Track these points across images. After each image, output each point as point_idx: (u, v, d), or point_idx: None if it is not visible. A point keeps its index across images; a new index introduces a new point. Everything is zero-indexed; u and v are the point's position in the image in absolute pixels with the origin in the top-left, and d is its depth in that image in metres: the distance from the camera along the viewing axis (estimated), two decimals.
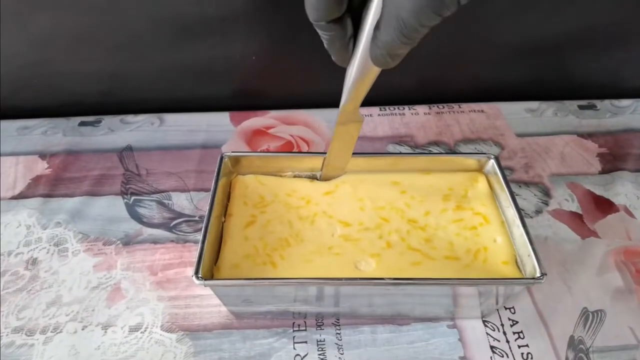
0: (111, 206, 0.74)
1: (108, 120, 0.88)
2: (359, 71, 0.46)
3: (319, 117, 0.88)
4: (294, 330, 0.60)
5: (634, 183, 0.76)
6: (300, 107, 0.90)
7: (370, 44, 0.42)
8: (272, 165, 0.64)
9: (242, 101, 0.91)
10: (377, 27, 0.41)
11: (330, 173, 0.63)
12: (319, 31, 0.43)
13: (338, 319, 0.60)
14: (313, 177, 0.64)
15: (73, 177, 0.78)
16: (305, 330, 0.60)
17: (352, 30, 0.43)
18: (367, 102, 0.91)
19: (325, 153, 0.60)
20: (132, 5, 0.76)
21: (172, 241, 0.69)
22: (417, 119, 0.88)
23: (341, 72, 0.92)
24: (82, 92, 0.89)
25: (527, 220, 0.56)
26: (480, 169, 0.64)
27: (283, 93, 0.92)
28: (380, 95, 0.92)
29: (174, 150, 0.82)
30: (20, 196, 0.75)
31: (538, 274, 0.50)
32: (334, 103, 0.90)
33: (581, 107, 0.91)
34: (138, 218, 0.72)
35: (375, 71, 0.46)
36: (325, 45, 0.45)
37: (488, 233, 0.57)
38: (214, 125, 0.87)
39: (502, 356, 0.57)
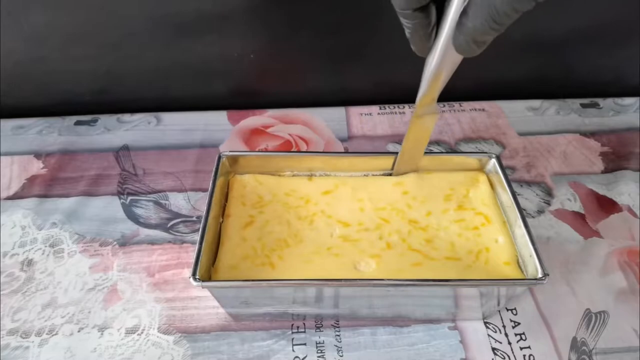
0: (107, 206, 0.73)
1: (104, 120, 0.88)
2: (440, 60, 0.46)
3: (317, 116, 0.88)
4: (292, 332, 0.59)
5: (637, 182, 0.76)
6: (298, 106, 0.90)
7: (455, 32, 0.42)
8: (271, 164, 0.64)
9: (240, 100, 0.91)
10: (463, 13, 0.41)
11: (403, 168, 0.63)
12: (402, 20, 0.44)
13: (337, 321, 0.60)
14: (312, 176, 0.64)
15: (69, 177, 0.78)
16: (305, 332, 0.60)
17: (435, 19, 0.43)
18: (367, 100, 0.91)
19: (322, 152, 0.60)
20: (128, 2, 0.76)
21: (170, 242, 0.69)
22: None
23: (339, 72, 0.92)
24: (78, 91, 0.89)
25: (529, 220, 0.56)
26: (481, 169, 0.64)
27: (281, 92, 0.92)
28: (380, 94, 0.92)
29: (171, 149, 0.82)
30: (15, 196, 0.75)
31: (540, 275, 0.50)
32: (333, 102, 0.91)
33: (584, 106, 0.91)
34: (135, 218, 0.72)
35: (456, 60, 0.46)
36: (407, 34, 0.45)
37: (490, 233, 0.57)
38: (212, 124, 0.87)
39: (504, 358, 0.57)
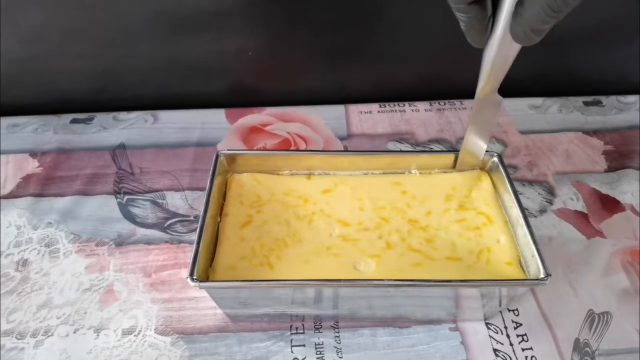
0: (104, 206, 0.73)
1: (100, 118, 0.88)
2: (498, 51, 0.47)
3: (316, 114, 0.88)
4: (291, 333, 0.59)
5: None
6: (297, 104, 0.90)
7: (512, 22, 0.43)
8: (269, 163, 0.64)
9: (238, 98, 0.91)
10: (519, 3, 0.41)
11: (467, 161, 0.63)
12: (457, 14, 0.44)
13: (337, 322, 0.60)
14: (311, 175, 0.64)
15: (64, 176, 0.78)
16: (303, 333, 0.59)
17: (491, 11, 0.44)
18: (367, 99, 0.91)
19: (321, 151, 0.60)
20: None
21: (167, 242, 0.68)
22: (417, 116, 0.88)
23: (338, 70, 0.92)
24: (74, 88, 0.89)
25: (531, 220, 0.55)
26: (482, 167, 0.64)
27: (280, 89, 0.92)
28: (379, 92, 0.92)
29: (168, 148, 0.82)
30: (11, 195, 0.75)
31: (542, 275, 0.50)
32: (333, 100, 0.91)
33: (586, 104, 0.91)
34: (131, 218, 0.72)
35: (514, 50, 0.47)
36: (463, 27, 0.45)
37: (491, 233, 0.57)
38: (209, 122, 0.87)
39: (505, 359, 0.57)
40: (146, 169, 0.79)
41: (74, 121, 0.88)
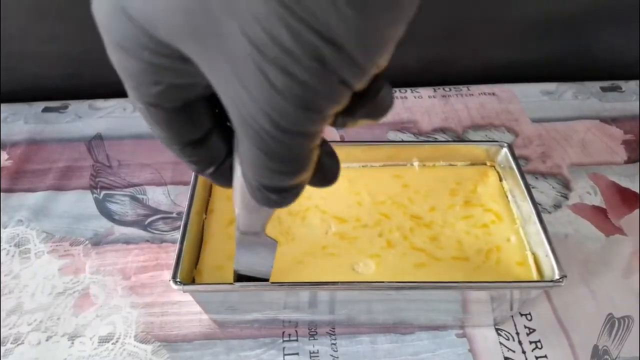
0: (79, 202, 0.73)
1: (75, 106, 0.88)
2: (244, 199, 0.37)
3: None
4: (284, 341, 0.59)
5: None
6: None
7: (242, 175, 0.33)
8: None
9: None
10: (237, 143, 0.31)
11: None
12: (177, 157, 0.35)
13: (333, 328, 0.60)
14: None
15: (36, 170, 0.78)
16: (297, 340, 0.59)
17: (224, 147, 0.36)
18: None
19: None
20: None
21: (147, 241, 0.68)
22: (420, 103, 0.88)
23: None
24: (45, 74, 0.89)
25: (545, 216, 0.55)
26: (491, 159, 0.64)
27: None
28: None
29: (149, 139, 0.82)
30: None
31: (557, 276, 0.50)
32: None
33: (604, 89, 0.91)
34: (109, 215, 0.71)
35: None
36: (194, 171, 0.39)
37: (501, 231, 0.57)
38: None
39: None
40: (125, 161, 0.79)
41: (46, 110, 0.88)
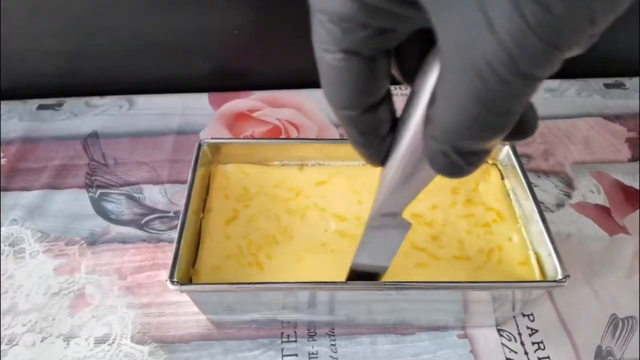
0: (74, 201, 0.73)
1: (70, 103, 0.88)
2: (403, 175, 0.36)
3: (310, 99, 0.88)
4: (282, 342, 0.59)
5: None
6: (289, 87, 0.90)
7: (424, 134, 0.31)
8: (257, 153, 0.64)
9: (222, 81, 0.91)
10: (432, 100, 0.29)
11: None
12: (345, 126, 0.35)
13: (333, 329, 0.60)
14: (304, 166, 0.64)
15: (31, 168, 0.77)
16: (296, 341, 0.59)
17: (391, 119, 0.35)
18: None
19: (315, 139, 0.59)
20: None
21: (144, 240, 0.68)
22: None
23: None
24: (41, 71, 0.89)
25: (547, 215, 0.55)
26: (493, 157, 0.64)
27: (269, 71, 0.91)
28: None
29: (146, 137, 0.82)
30: None
31: (560, 276, 0.50)
32: None
33: (607, 86, 0.91)
34: (105, 214, 0.71)
35: (429, 173, 0.35)
36: (352, 142, 0.37)
37: (502, 230, 0.57)
38: (191, 108, 0.87)
39: None
40: (121, 159, 0.79)
41: (41, 107, 0.88)
